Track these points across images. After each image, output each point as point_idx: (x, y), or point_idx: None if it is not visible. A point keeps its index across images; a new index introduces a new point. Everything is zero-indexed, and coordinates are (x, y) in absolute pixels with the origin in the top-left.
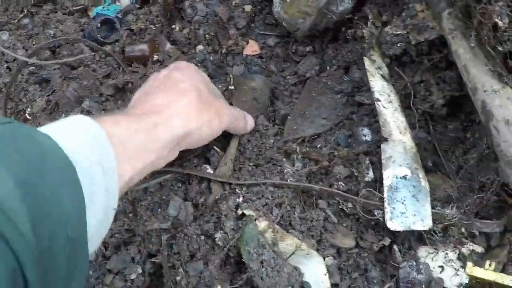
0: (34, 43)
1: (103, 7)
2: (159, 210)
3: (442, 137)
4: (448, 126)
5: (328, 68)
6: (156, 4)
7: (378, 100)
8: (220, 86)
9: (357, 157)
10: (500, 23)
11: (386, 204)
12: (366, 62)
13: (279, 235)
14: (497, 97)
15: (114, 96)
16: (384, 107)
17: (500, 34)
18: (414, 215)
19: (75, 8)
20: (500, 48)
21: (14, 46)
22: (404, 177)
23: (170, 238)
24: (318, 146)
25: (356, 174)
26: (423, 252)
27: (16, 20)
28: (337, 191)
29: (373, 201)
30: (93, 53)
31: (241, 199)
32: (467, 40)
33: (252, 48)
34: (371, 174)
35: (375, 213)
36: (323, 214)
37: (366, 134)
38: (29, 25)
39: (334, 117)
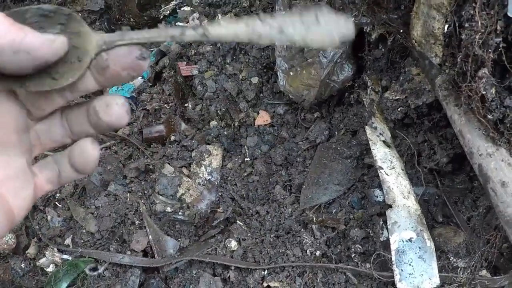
0: None
1: (118, 87)
2: (191, 286)
3: (451, 190)
4: (455, 179)
5: (336, 133)
6: (167, 82)
7: (381, 168)
8: (236, 159)
9: (371, 219)
10: (487, 95)
11: (394, 267)
12: (368, 131)
13: None
14: (492, 160)
15: (138, 178)
16: (387, 174)
17: (488, 104)
18: (422, 274)
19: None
20: (490, 116)
21: None
22: (410, 240)
23: None
24: (333, 211)
25: (372, 234)
26: None
27: None
28: (351, 267)
29: (384, 273)
30: (113, 141)
31: (266, 271)
32: (459, 107)
33: (263, 118)
34: (386, 234)
35: (391, 273)
36: (344, 276)
37: (378, 195)
38: None
39: (346, 182)
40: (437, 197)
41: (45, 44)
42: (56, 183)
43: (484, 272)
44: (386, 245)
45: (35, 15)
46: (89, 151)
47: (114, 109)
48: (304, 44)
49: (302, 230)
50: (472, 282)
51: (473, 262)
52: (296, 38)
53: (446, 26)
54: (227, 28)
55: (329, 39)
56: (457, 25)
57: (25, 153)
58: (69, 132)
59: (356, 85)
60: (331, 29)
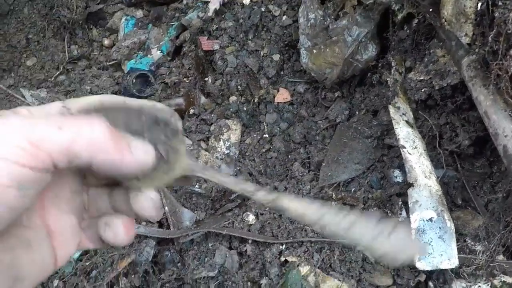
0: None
1: (136, 61)
2: (206, 259)
3: (470, 174)
4: (475, 163)
5: (357, 112)
6: (187, 57)
7: (404, 147)
8: (255, 135)
9: (390, 199)
10: None
11: None
12: (391, 110)
13: (320, 278)
14: None
15: None
16: (409, 153)
17: None
18: (441, 255)
19: (109, 63)
20: None
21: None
22: (430, 220)
23: (218, 285)
24: (352, 190)
25: (390, 214)
26: (457, 286)
27: (53, 78)
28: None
29: None
30: None
31: (284, 246)
32: (486, 88)
33: (283, 95)
34: (404, 214)
35: None
36: (361, 255)
37: (397, 175)
38: (66, 81)
39: (366, 161)
40: (456, 180)
41: (139, 165)
42: (98, 244)
43: (500, 256)
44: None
45: (150, 119)
46: (119, 232)
47: (144, 203)
48: (364, 250)
49: None
50: (491, 264)
51: (492, 245)
52: (360, 243)
53: (479, 4)
54: (298, 206)
55: (392, 257)
56: (490, 3)
57: (77, 212)
58: (112, 206)
59: (379, 65)
60: (399, 248)
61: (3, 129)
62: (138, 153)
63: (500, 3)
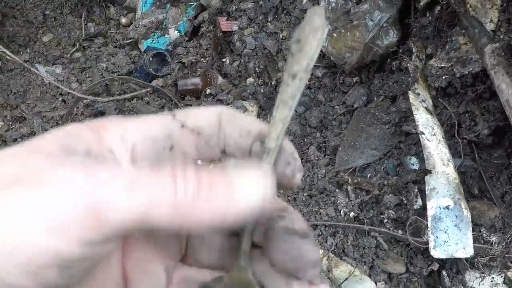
0: (87, 76)
1: (153, 40)
2: None
3: (488, 164)
4: (493, 154)
5: (375, 98)
6: (205, 37)
7: (423, 133)
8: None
9: (406, 186)
10: None
11: (430, 233)
12: (411, 96)
13: (333, 262)
14: None
15: None
16: (428, 140)
17: None
18: (457, 243)
19: (126, 41)
20: None
21: (68, 79)
22: (447, 207)
23: None
24: (368, 176)
25: (405, 202)
26: (470, 276)
27: (68, 54)
28: (384, 230)
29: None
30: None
31: None
32: (509, 76)
33: None
34: (419, 202)
35: (424, 239)
36: (375, 241)
37: (414, 163)
38: (81, 58)
39: (383, 147)
40: (473, 170)
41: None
42: None
43: None
44: (419, 213)
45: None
46: None
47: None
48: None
49: (336, 190)
50: (506, 255)
51: (508, 236)
52: None
53: None
54: None
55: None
56: None
57: (168, 259)
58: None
59: (400, 51)
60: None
61: (54, 187)
62: (245, 193)
63: None
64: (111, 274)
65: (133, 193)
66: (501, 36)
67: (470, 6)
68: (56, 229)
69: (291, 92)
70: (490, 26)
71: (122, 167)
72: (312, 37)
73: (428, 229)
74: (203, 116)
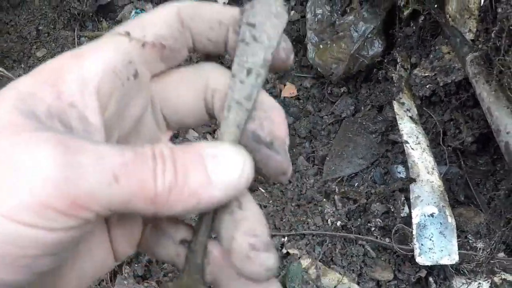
0: None
1: None
2: None
3: (473, 171)
4: (479, 161)
5: (362, 108)
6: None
7: (407, 142)
8: None
9: (393, 194)
10: None
11: (415, 241)
12: (395, 105)
13: (321, 271)
14: None
15: None
16: (412, 148)
17: None
18: (442, 250)
19: None
20: None
21: None
22: (432, 215)
23: None
24: (355, 185)
25: (392, 210)
26: (457, 282)
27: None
28: (371, 238)
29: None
30: None
31: (285, 238)
32: (489, 84)
33: (289, 90)
34: (406, 210)
35: (411, 246)
36: (363, 249)
37: (400, 171)
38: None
39: (370, 156)
40: (459, 177)
41: (228, 191)
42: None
43: (501, 254)
44: (406, 221)
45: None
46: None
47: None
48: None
49: (324, 200)
50: (491, 261)
51: (493, 242)
52: None
53: (483, 0)
54: None
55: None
56: None
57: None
58: None
59: (385, 61)
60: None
61: (30, 175)
62: (222, 176)
63: None
64: (95, 234)
65: (117, 185)
66: (480, 46)
67: (450, 17)
68: (37, 217)
69: (246, 92)
70: (469, 36)
71: (101, 148)
72: (270, 25)
73: (414, 236)
74: (161, 22)
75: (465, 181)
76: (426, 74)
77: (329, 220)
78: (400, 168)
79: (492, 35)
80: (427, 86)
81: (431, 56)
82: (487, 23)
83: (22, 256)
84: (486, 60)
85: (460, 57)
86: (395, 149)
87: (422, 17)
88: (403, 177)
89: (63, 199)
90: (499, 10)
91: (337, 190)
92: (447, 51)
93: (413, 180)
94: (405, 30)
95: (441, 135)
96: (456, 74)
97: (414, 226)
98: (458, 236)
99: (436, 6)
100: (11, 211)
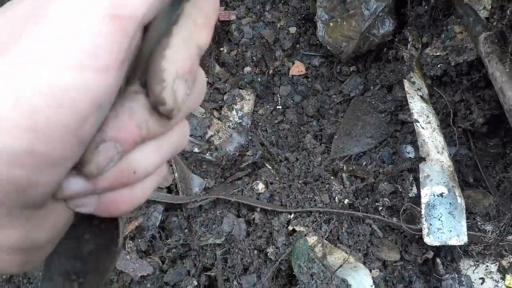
0: None
1: None
2: (214, 226)
3: (483, 153)
4: (489, 143)
5: (371, 87)
6: None
7: (417, 121)
8: (268, 106)
9: (401, 174)
10: None
11: (423, 221)
12: (406, 84)
13: (327, 249)
14: None
15: None
16: (422, 127)
17: None
18: (450, 231)
19: None
20: None
21: None
22: (441, 195)
23: (224, 252)
24: (363, 164)
25: (400, 190)
26: (465, 264)
27: None
28: (379, 217)
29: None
30: None
31: (292, 215)
32: (503, 63)
33: (298, 68)
34: (414, 190)
35: (419, 226)
36: (369, 228)
37: (409, 151)
38: None
39: (378, 136)
40: (469, 158)
41: None
42: None
43: (510, 237)
44: (414, 201)
45: None
46: None
47: None
48: None
49: (331, 177)
50: (500, 243)
51: (502, 224)
52: None
53: None
54: None
55: None
56: None
57: None
58: None
59: (396, 40)
60: None
61: None
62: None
63: None
64: None
65: None
66: (494, 23)
67: None
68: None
69: None
70: (484, 14)
71: None
72: None
73: (422, 216)
74: None
75: (475, 163)
76: (438, 54)
77: (336, 198)
78: (409, 148)
79: (508, 12)
80: (439, 66)
81: (443, 35)
82: (503, 0)
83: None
84: (500, 38)
85: (472, 37)
86: (404, 129)
87: None
88: (412, 157)
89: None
90: None
91: (345, 168)
92: (460, 31)
93: (423, 159)
94: (416, 9)
95: (451, 115)
96: (468, 54)
97: (423, 206)
98: (467, 218)
99: None
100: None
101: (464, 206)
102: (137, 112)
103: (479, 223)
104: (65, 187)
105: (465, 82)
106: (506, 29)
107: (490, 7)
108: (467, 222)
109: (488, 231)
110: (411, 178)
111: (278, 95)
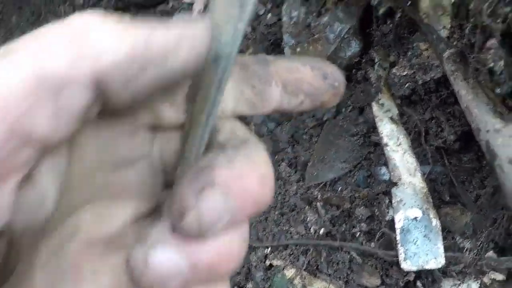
0: None
1: None
2: None
3: (458, 169)
4: (463, 158)
5: (343, 109)
6: None
7: (387, 144)
8: None
9: (377, 197)
10: (496, 67)
11: (399, 246)
12: (374, 107)
13: (307, 280)
14: (499, 136)
15: None
16: (393, 151)
17: (496, 77)
18: (427, 254)
19: None
20: (498, 90)
21: None
22: (415, 219)
23: None
24: (339, 189)
25: (377, 213)
26: (446, 285)
27: None
28: (355, 245)
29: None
30: None
31: (268, 249)
32: (467, 82)
33: None
34: (391, 213)
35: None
36: (348, 256)
37: (384, 173)
38: None
39: (352, 159)
40: (444, 176)
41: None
42: None
43: (490, 253)
44: (392, 224)
45: None
46: None
47: None
48: None
49: (306, 207)
50: (479, 262)
51: (480, 243)
52: None
53: None
54: None
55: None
56: None
57: None
58: None
59: (363, 61)
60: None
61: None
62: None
63: None
64: None
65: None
66: (455, 43)
67: (423, 13)
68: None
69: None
70: (444, 33)
71: None
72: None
73: (397, 242)
74: None
75: (450, 179)
76: (405, 73)
77: (312, 228)
78: (384, 169)
79: (466, 31)
80: (406, 85)
81: (409, 53)
82: (461, 19)
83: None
84: (462, 57)
85: (437, 54)
86: (377, 150)
87: (399, 14)
88: (387, 179)
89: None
90: (471, 5)
91: (319, 197)
92: (425, 48)
93: (394, 184)
94: (381, 28)
95: (423, 134)
96: (435, 71)
97: (398, 231)
98: (445, 238)
99: (409, 3)
100: None
101: (440, 228)
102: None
103: (458, 241)
104: (152, 262)
105: (434, 99)
106: (466, 49)
107: (449, 26)
108: (445, 242)
109: (467, 249)
110: (387, 201)
111: (252, 123)
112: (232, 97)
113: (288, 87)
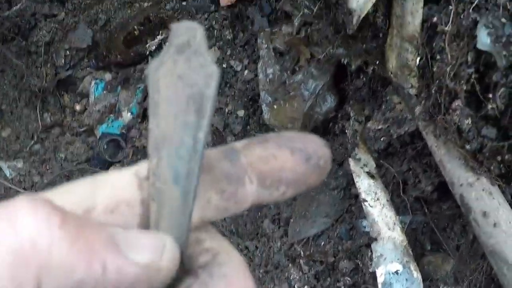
0: (48, 168)
1: (108, 125)
2: None
3: (439, 217)
4: (443, 206)
5: None
6: None
7: (365, 200)
8: None
9: (359, 249)
10: (463, 126)
11: None
12: (351, 163)
13: None
14: (472, 190)
15: None
16: (371, 206)
17: (465, 135)
18: None
19: (82, 129)
20: (468, 147)
21: (30, 173)
22: (396, 272)
23: None
24: (322, 244)
25: (360, 265)
26: None
27: (28, 148)
28: None
29: None
30: None
31: None
32: (438, 138)
33: None
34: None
35: None
36: None
37: (365, 225)
38: (40, 150)
39: (334, 213)
40: (425, 224)
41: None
42: None
43: None
44: (375, 276)
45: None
46: None
47: None
48: None
49: (290, 265)
50: None
51: None
52: None
53: (419, 58)
54: None
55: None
56: (429, 56)
57: None
58: None
59: (339, 115)
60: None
61: None
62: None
63: (438, 57)
64: None
65: None
66: (422, 102)
67: (392, 73)
68: None
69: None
70: (412, 91)
71: None
72: (205, 83)
73: None
74: None
75: (431, 228)
76: (380, 127)
77: (296, 285)
78: (365, 222)
79: (432, 91)
80: (382, 139)
81: (383, 107)
82: (427, 79)
83: None
84: (431, 115)
85: (410, 108)
86: (358, 202)
87: (371, 68)
88: (369, 231)
89: None
90: (435, 68)
91: (302, 253)
92: (398, 101)
93: (374, 240)
94: (355, 82)
95: (401, 185)
96: (409, 125)
97: (380, 286)
98: (429, 286)
99: (377, 62)
100: None
101: (421, 280)
102: None
103: None
104: None
105: (410, 151)
106: (433, 109)
107: (417, 85)
108: None
109: None
110: (370, 253)
111: None
112: (198, 206)
113: (266, 181)
